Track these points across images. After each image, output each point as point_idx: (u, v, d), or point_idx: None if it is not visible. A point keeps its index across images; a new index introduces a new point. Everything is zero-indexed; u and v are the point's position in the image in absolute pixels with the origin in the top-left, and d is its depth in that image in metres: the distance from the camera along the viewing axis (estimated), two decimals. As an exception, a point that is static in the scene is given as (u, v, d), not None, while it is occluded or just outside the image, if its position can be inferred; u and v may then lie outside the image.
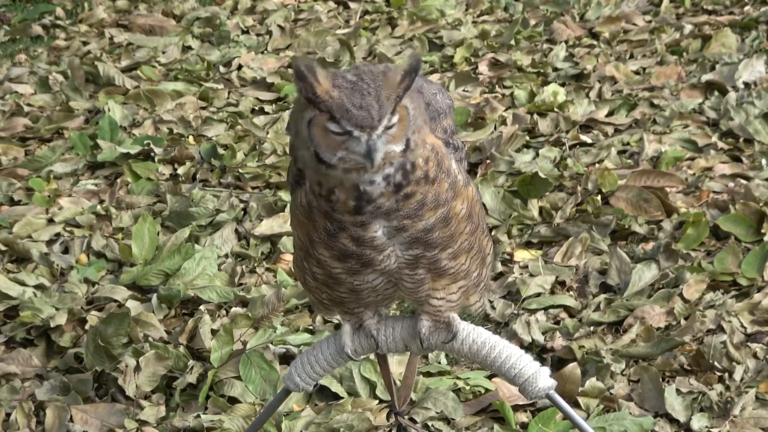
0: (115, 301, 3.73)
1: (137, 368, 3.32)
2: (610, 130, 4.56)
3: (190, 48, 5.91)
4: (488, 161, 4.31)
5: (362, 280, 1.89)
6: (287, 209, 4.12)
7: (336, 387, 3.21)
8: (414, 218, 1.83)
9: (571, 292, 3.61)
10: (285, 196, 4.22)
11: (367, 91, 1.76)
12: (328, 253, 1.87)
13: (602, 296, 3.53)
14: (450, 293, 1.95)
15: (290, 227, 1.98)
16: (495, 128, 4.62)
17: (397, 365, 3.13)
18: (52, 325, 3.59)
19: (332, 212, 1.83)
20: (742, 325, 3.29)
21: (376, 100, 1.76)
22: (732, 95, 4.54)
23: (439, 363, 3.31)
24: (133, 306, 3.64)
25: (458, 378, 3.22)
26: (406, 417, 3.07)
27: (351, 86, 1.76)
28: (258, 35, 6.02)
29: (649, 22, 5.52)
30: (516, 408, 3.10)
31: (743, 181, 3.96)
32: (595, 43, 5.38)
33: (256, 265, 3.91)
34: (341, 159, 1.78)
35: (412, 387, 2.24)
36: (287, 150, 4.59)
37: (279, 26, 6.00)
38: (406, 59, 1.81)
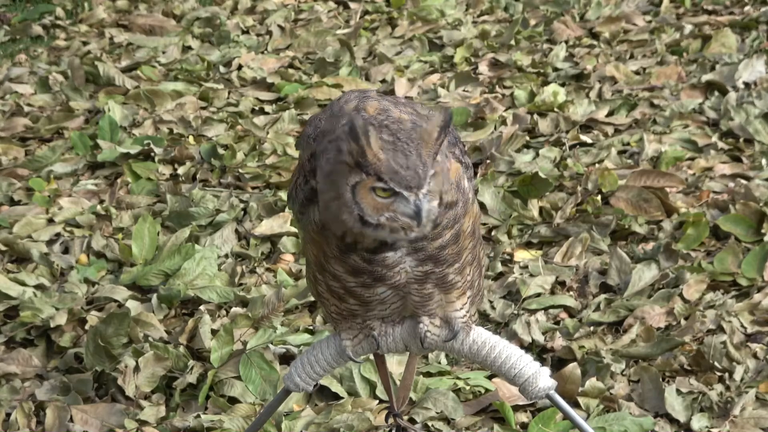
0: (115, 301, 3.73)
1: (137, 368, 3.32)
2: (610, 130, 4.56)
3: (190, 48, 5.91)
4: (488, 161, 4.31)
5: (372, 293, 1.91)
6: (287, 210, 4.12)
7: (336, 387, 3.21)
8: (432, 239, 1.86)
9: (571, 292, 3.61)
10: (285, 196, 4.21)
11: (408, 150, 1.76)
12: (341, 268, 1.88)
13: (602, 296, 3.53)
14: (464, 304, 1.98)
15: (301, 241, 2.00)
16: (495, 128, 4.62)
17: (396, 365, 3.13)
18: (52, 325, 3.59)
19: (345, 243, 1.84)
20: (742, 325, 3.29)
21: (419, 158, 1.76)
22: (732, 95, 4.54)
23: (439, 363, 3.31)
24: (133, 306, 3.64)
25: (458, 378, 3.21)
26: (406, 417, 3.07)
27: (392, 146, 1.76)
28: (258, 35, 6.02)
29: (649, 22, 5.52)
30: (516, 408, 3.10)
31: (743, 181, 3.96)
32: (595, 43, 5.38)
33: (256, 265, 3.91)
34: (389, 219, 1.79)
35: (410, 387, 2.24)
36: (287, 151, 4.60)
37: (279, 26, 6.00)
38: (437, 114, 1.80)
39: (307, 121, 1.95)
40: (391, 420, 2.21)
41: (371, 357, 2.19)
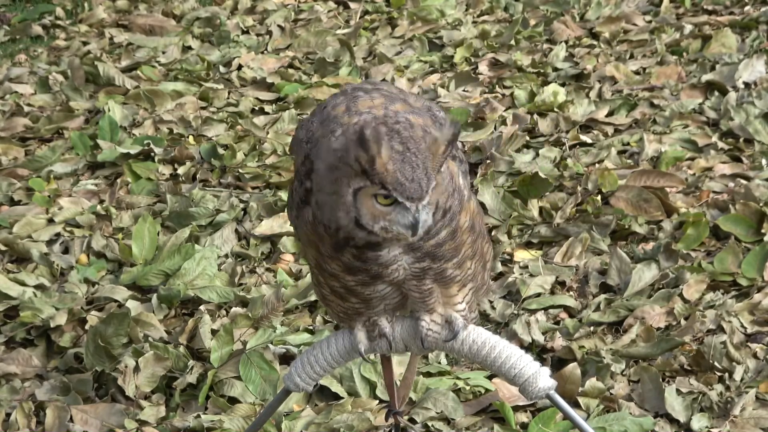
0: (115, 301, 3.73)
1: (137, 368, 3.32)
2: (610, 130, 4.56)
3: (190, 48, 5.91)
4: (488, 161, 4.31)
5: (372, 291, 1.92)
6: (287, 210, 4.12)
7: (336, 387, 3.21)
8: (428, 238, 1.87)
9: (571, 292, 3.61)
10: (285, 196, 4.21)
11: (416, 162, 1.77)
12: (338, 267, 1.89)
13: (602, 296, 3.53)
14: (465, 296, 1.99)
15: (301, 246, 2.00)
16: (495, 128, 4.62)
17: (397, 365, 3.13)
18: (52, 325, 3.59)
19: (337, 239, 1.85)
20: (742, 325, 3.29)
21: (425, 172, 1.77)
22: (732, 95, 4.53)
23: (439, 363, 3.31)
24: (133, 306, 3.64)
25: (458, 378, 3.22)
26: (406, 417, 3.07)
27: (401, 157, 1.76)
28: (258, 35, 6.02)
29: (649, 22, 5.52)
30: (516, 408, 3.10)
31: (743, 181, 3.96)
32: (595, 43, 5.38)
33: (256, 265, 3.91)
34: (383, 228, 1.80)
35: (411, 387, 2.25)
36: (287, 150, 4.60)
37: (279, 26, 6.00)
38: (446, 127, 1.82)
39: (297, 125, 1.95)
40: (391, 419, 2.21)
41: (372, 357, 2.19)
